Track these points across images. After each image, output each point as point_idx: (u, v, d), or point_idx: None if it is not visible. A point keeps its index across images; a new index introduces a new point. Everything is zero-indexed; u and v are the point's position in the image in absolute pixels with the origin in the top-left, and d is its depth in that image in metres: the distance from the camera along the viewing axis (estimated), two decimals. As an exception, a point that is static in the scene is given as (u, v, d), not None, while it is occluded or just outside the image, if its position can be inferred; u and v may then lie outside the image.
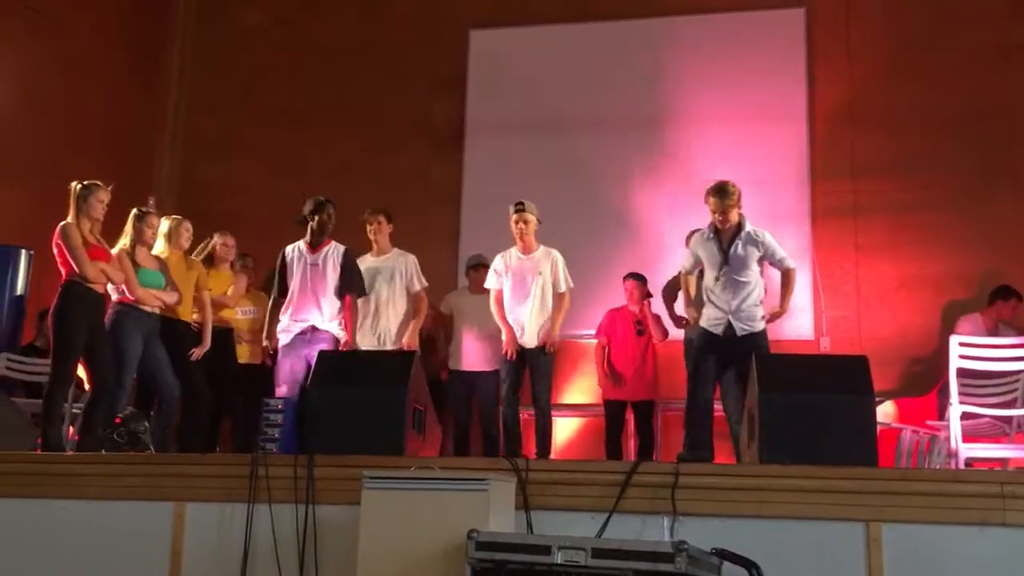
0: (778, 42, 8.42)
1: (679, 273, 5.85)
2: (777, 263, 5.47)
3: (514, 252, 6.23)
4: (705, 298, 5.45)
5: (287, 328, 5.85)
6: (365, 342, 6.08)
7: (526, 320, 6.08)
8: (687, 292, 5.72)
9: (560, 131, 8.54)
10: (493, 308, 6.19)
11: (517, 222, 6.14)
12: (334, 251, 5.93)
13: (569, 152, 8.45)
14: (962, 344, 5.17)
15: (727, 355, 5.30)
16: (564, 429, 7.98)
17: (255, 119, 9.19)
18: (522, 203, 6.17)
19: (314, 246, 5.94)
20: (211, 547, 4.04)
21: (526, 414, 6.27)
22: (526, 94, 8.73)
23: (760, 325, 5.33)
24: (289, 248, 6.02)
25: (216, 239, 6.56)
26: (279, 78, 9.29)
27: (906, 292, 7.85)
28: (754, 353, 4.70)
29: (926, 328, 7.66)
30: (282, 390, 5.62)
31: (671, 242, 7.14)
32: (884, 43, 8.23)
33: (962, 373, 5.14)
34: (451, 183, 8.74)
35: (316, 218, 5.92)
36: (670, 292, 6.69)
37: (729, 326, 5.29)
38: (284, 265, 5.95)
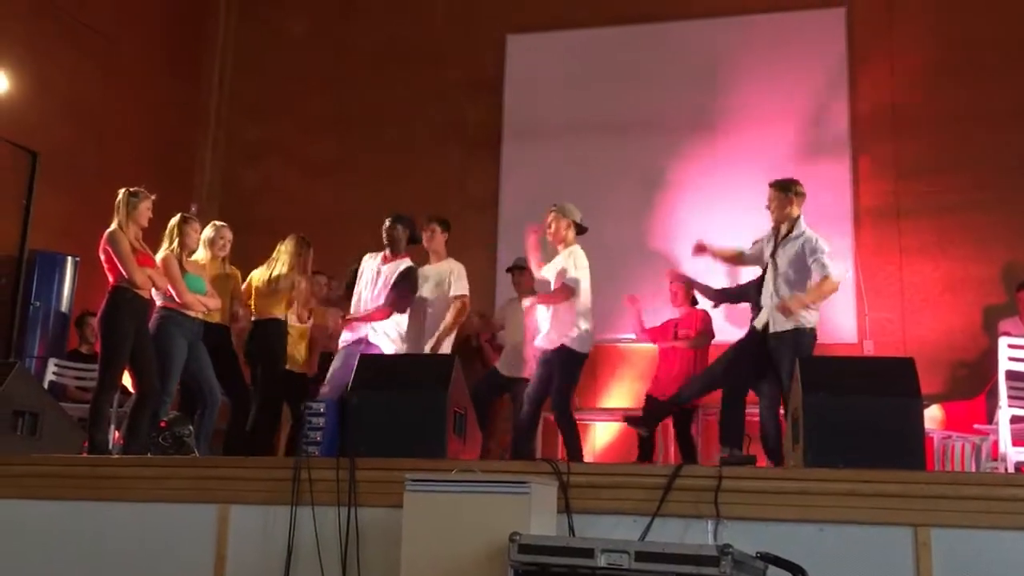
0: (819, 42, 8.32)
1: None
2: None
3: None
4: None
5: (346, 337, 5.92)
6: (406, 347, 6.09)
7: None
8: None
9: (597, 136, 8.50)
10: None
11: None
12: (399, 265, 5.96)
13: (607, 157, 8.39)
14: (1011, 346, 5.07)
15: None
16: (605, 433, 7.95)
17: (295, 125, 9.28)
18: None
19: (389, 257, 6.02)
20: (255, 549, 4.06)
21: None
22: (563, 99, 8.71)
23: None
24: (368, 256, 6.13)
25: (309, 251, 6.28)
26: (318, 84, 9.37)
27: (951, 295, 7.71)
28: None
29: (971, 331, 7.53)
30: (324, 390, 5.63)
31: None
32: (926, 41, 8.11)
33: (1011, 376, 5.04)
34: (488, 189, 8.74)
35: (387, 232, 6.02)
36: None
37: None
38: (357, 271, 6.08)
